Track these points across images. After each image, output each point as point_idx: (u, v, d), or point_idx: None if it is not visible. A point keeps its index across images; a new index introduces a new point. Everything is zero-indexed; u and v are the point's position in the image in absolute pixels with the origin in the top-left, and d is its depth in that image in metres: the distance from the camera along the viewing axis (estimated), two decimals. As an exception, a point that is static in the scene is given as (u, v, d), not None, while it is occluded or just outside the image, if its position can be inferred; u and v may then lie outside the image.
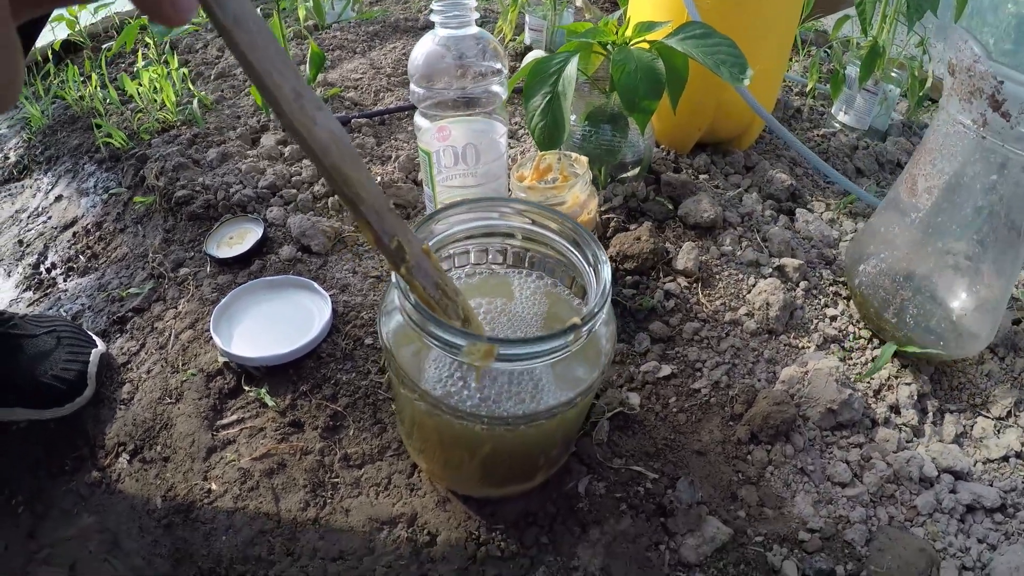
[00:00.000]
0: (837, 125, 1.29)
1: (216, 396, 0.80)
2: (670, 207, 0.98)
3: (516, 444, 0.55)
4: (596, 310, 0.49)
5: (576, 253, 0.57)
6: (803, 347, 0.86)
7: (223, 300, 0.87)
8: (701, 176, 1.08)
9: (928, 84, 1.25)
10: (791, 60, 1.55)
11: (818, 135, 1.24)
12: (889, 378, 0.82)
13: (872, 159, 1.19)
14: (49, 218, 1.22)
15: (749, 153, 1.15)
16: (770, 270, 0.92)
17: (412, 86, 0.80)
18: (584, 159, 0.80)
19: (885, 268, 0.84)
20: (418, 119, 0.83)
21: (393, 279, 0.50)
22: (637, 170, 1.02)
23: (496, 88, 0.81)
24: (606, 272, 0.52)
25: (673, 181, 1.01)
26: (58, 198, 1.25)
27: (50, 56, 1.54)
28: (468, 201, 0.58)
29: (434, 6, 0.76)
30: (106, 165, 1.27)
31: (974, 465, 0.75)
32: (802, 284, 0.91)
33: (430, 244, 0.56)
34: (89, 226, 1.15)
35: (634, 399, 0.77)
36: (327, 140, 0.31)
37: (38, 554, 0.69)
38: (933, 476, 0.73)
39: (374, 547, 0.66)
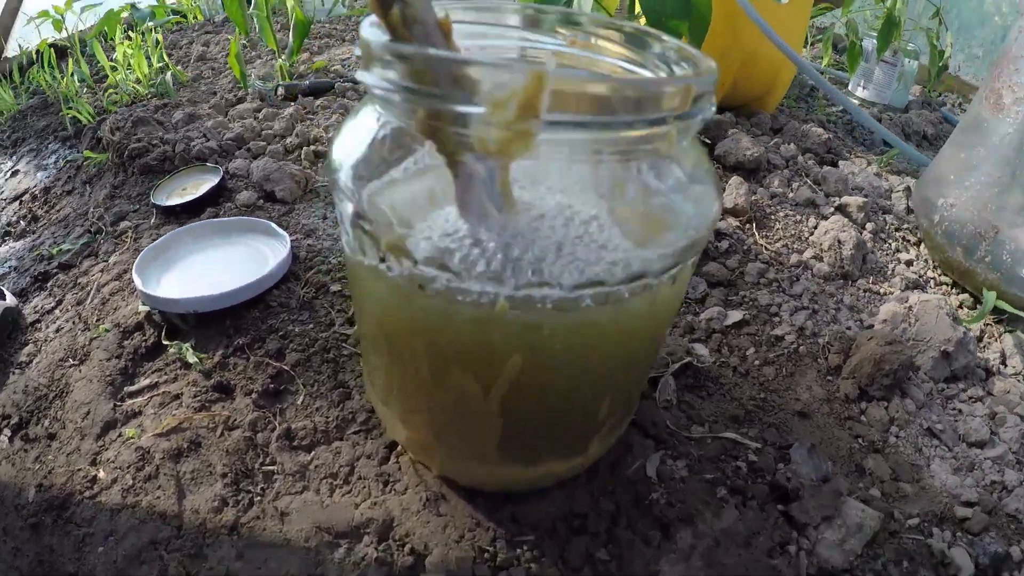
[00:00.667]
0: (856, 101, 1.03)
1: (129, 356, 0.51)
2: (707, 142, 0.70)
3: (567, 355, 0.25)
4: (708, 75, 0.20)
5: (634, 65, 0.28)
6: (885, 293, 0.57)
7: (156, 242, 0.57)
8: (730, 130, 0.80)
9: (947, 55, 1.00)
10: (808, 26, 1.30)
11: (837, 111, 0.97)
12: (987, 325, 0.57)
13: (898, 130, 0.93)
14: (1, 193, 0.91)
15: (774, 116, 0.87)
16: (831, 210, 0.65)
17: None
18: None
19: (971, 199, 0.59)
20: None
21: (365, 31, 0.21)
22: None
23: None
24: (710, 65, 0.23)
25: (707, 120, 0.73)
26: (14, 173, 0.95)
27: (35, 58, 1.25)
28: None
29: None
30: (70, 142, 0.97)
31: None
32: (868, 226, 0.64)
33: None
34: (36, 192, 0.85)
35: (701, 350, 0.47)
36: None
37: None
38: None
39: (323, 573, 0.35)
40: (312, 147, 0.73)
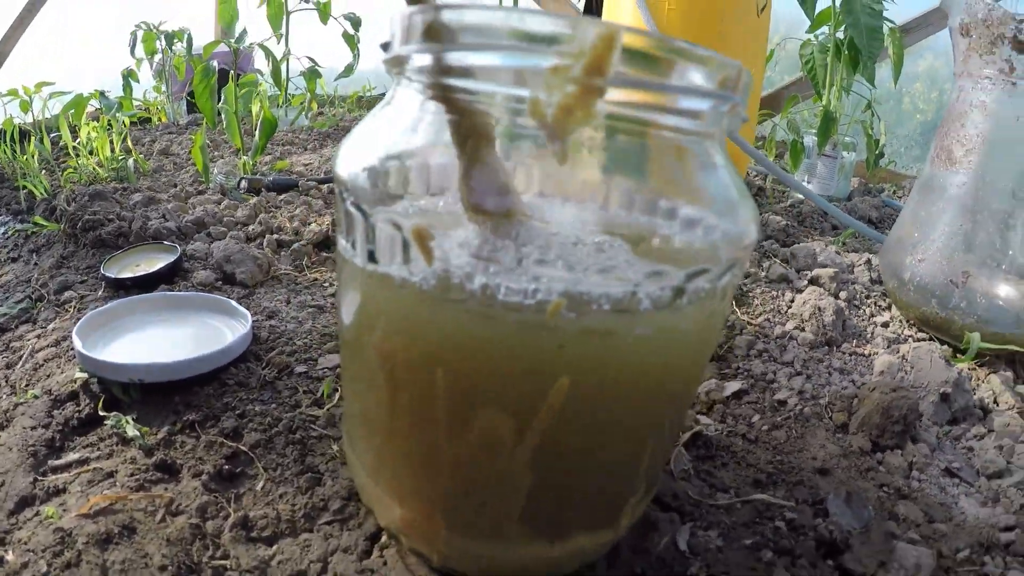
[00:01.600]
0: (801, 196, 1.08)
1: (58, 427, 0.43)
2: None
3: (622, 377, 0.20)
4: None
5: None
6: (870, 354, 0.57)
7: (103, 307, 0.51)
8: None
9: (883, 143, 1.08)
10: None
11: (786, 207, 1.01)
12: (972, 369, 0.57)
13: (845, 215, 0.96)
14: (-58, 263, 0.82)
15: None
16: (804, 283, 0.65)
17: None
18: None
19: (938, 250, 0.61)
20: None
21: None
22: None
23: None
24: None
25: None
26: (-42, 246, 0.86)
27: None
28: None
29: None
30: (21, 216, 0.91)
31: None
32: (842, 294, 0.64)
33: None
34: (-21, 261, 0.77)
35: (707, 421, 0.43)
36: None
37: None
38: None
39: None
40: (275, 235, 0.70)
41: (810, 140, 1.04)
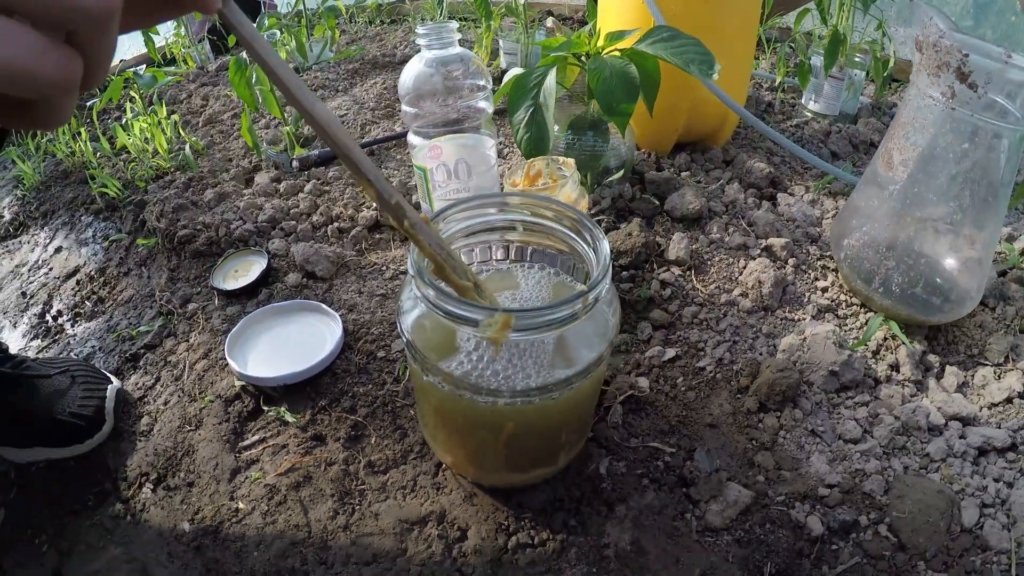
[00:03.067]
0: (808, 114, 1.35)
1: (236, 419, 0.83)
2: (656, 203, 1.03)
3: (537, 419, 0.58)
4: (599, 277, 0.53)
5: (574, 236, 0.61)
6: (799, 319, 0.89)
7: (235, 328, 0.90)
8: (683, 174, 1.13)
9: (892, 65, 1.32)
10: (758, 58, 1.62)
11: (792, 125, 1.29)
12: (886, 339, 0.86)
13: (846, 141, 1.25)
14: (51, 269, 1.25)
15: (727, 148, 1.20)
16: (758, 251, 0.97)
17: (403, 107, 0.85)
18: (571, 161, 0.84)
19: (868, 240, 0.89)
20: (411, 138, 0.88)
21: (409, 268, 0.54)
22: (621, 173, 1.07)
23: (482, 104, 0.86)
24: (604, 246, 0.56)
25: (657, 179, 1.06)
26: (58, 250, 1.28)
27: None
28: (469, 198, 0.62)
29: (418, 30, 0.81)
30: (103, 215, 1.30)
31: (979, 411, 0.78)
32: (791, 261, 0.95)
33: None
34: (92, 272, 1.18)
35: (643, 383, 0.80)
36: (327, 118, 0.40)
37: (66, 591, 0.69)
38: (941, 424, 0.76)
39: (406, 548, 0.68)
40: (336, 224, 1.07)
41: (818, 61, 1.28)
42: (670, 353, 0.84)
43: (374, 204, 1.10)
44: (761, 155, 1.18)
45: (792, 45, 1.29)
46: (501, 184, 0.87)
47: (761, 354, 0.85)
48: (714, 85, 1.06)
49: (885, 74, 1.30)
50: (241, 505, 0.75)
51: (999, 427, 0.75)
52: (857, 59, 1.28)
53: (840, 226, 0.94)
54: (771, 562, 0.65)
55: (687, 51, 0.92)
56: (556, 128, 1.02)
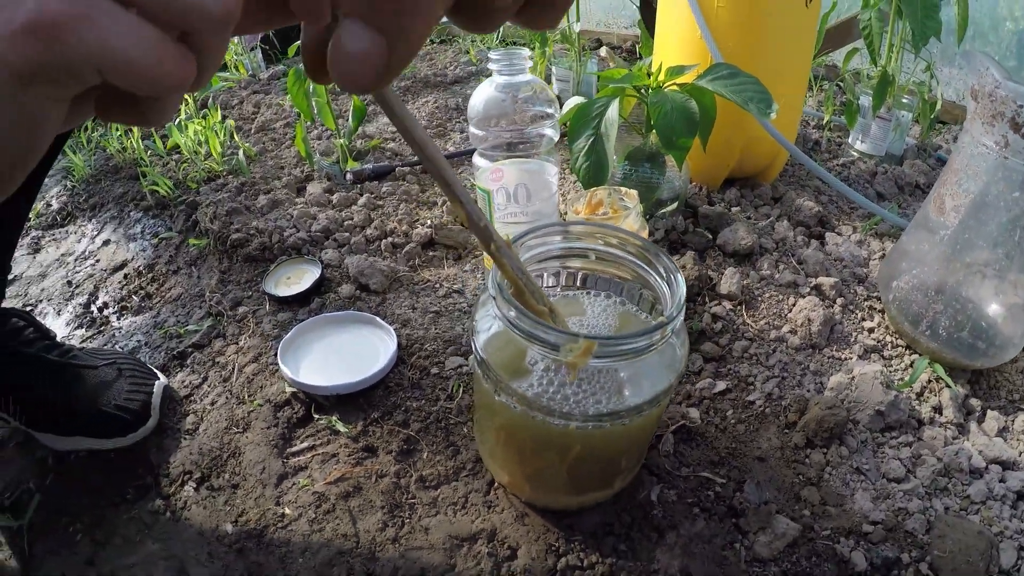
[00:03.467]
0: (855, 154, 1.37)
1: (285, 425, 0.85)
2: (709, 236, 1.05)
3: (603, 443, 0.60)
4: (676, 311, 0.55)
5: (645, 266, 0.63)
6: (845, 358, 0.91)
7: (288, 334, 0.93)
8: (733, 209, 1.15)
9: (938, 107, 1.34)
10: (805, 96, 1.65)
11: (838, 164, 1.32)
12: (930, 382, 0.88)
13: (892, 183, 1.27)
14: (97, 261, 1.28)
15: (776, 185, 1.22)
16: (808, 289, 0.98)
17: (471, 128, 0.88)
18: (634, 192, 0.86)
19: (917, 284, 0.91)
20: (477, 159, 0.90)
21: (489, 287, 0.56)
22: (674, 205, 1.09)
23: (548, 131, 0.89)
24: (681, 280, 0.58)
25: (709, 213, 1.08)
26: (105, 242, 1.32)
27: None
28: (545, 225, 0.64)
29: (491, 55, 0.84)
30: (152, 212, 1.34)
31: (1019, 455, 0.80)
32: (839, 301, 0.98)
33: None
34: (140, 268, 1.22)
35: (694, 413, 0.82)
36: (425, 138, 0.41)
37: (97, 581, 0.71)
38: (982, 467, 0.78)
39: (455, 563, 0.70)
40: (390, 239, 1.10)
41: (866, 100, 1.31)
42: (721, 386, 0.86)
43: (433, 222, 1.13)
44: (809, 193, 1.21)
45: (840, 84, 1.31)
46: (562, 212, 0.89)
47: (809, 391, 0.87)
48: (769, 124, 1.09)
49: (932, 116, 1.33)
50: (287, 511, 0.76)
51: None
52: (904, 100, 1.30)
53: (889, 268, 0.96)
54: (817, 597, 0.67)
55: (746, 89, 0.95)
56: (614, 158, 1.04)
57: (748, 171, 1.21)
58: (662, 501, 0.73)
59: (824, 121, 1.43)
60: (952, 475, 0.78)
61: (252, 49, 1.78)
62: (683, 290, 0.58)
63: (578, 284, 0.71)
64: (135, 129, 1.46)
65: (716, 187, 1.21)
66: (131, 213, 1.38)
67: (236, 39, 1.75)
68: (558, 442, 0.61)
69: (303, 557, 0.72)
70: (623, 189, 0.87)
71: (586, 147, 0.96)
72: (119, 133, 1.51)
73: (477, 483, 0.77)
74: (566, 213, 0.89)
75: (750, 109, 0.93)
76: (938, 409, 0.86)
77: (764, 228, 1.11)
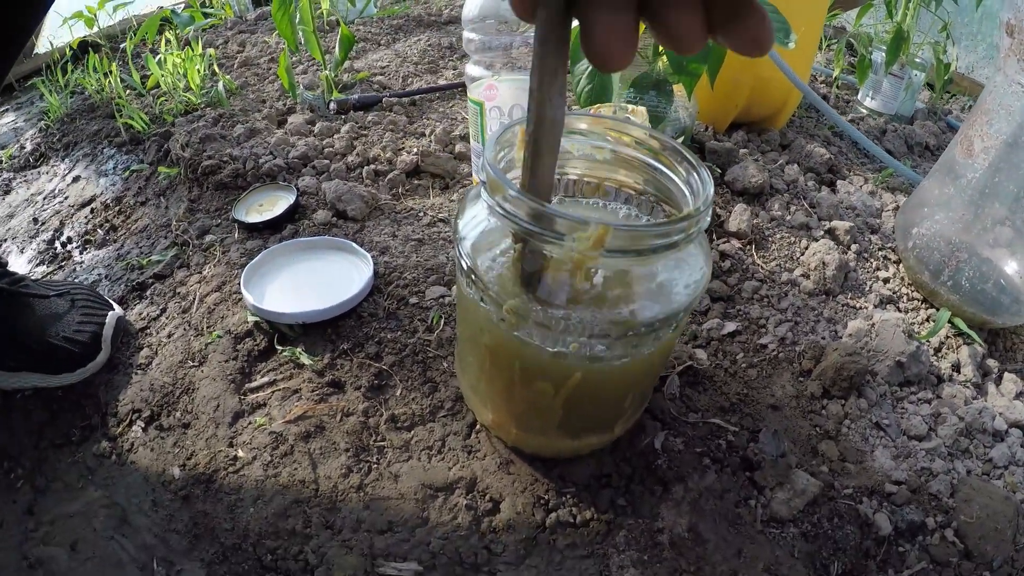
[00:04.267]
0: (864, 111, 1.23)
1: (245, 358, 0.71)
2: (718, 172, 0.91)
3: (608, 372, 0.47)
4: (703, 207, 0.41)
5: (663, 167, 0.49)
6: (860, 307, 0.78)
7: (254, 259, 0.78)
8: (740, 151, 1.01)
9: (953, 67, 1.20)
10: (819, 44, 1.49)
11: (847, 120, 1.17)
12: (948, 338, 0.77)
13: (901, 141, 1.13)
14: (66, 198, 1.13)
15: (784, 132, 1.08)
16: (821, 233, 0.85)
17: (465, 33, 0.73)
18: (642, 109, 0.72)
19: (940, 230, 0.78)
20: (470, 68, 0.76)
21: (485, 166, 0.42)
22: (681, 140, 0.95)
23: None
24: (707, 177, 0.44)
25: (718, 149, 0.94)
26: (75, 179, 1.17)
27: (67, 54, 1.45)
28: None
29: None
30: (126, 148, 1.18)
31: None
32: (853, 247, 0.85)
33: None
34: (108, 201, 1.07)
35: (702, 355, 0.69)
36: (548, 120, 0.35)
37: (35, 532, 0.59)
38: (1003, 430, 0.68)
39: (428, 516, 0.57)
40: (372, 166, 0.95)
41: (879, 56, 1.17)
42: (730, 327, 0.72)
43: (420, 149, 0.98)
44: (819, 142, 1.06)
45: (853, 39, 1.17)
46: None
47: (824, 338, 0.74)
48: (782, 60, 0.95)
49: (946, 76, 1.19)
50: (240, 453, 0.63)
51: None
52: (918, 60, 1.16)
53: (909, 215, 0.82)
54: (838, 561, 0.54)
55: (766, 13, 0.80)
56: (618, 85, 0.90)
57: (756, 115, 1.07)
58: (667, 450, 0.59)
59: (833, 77, 1.29)
60: (974, 436, 0.67)
61: (242, -9, 1.61)
62: (711, 188, 0.44)
63: (583, 194, 0.57)
64: (114, 67, 1.29)
65: (722, 130, 1.07)
66: (105, 150, 1.22)
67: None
68: (555, 369, 0.47)
69: (254, 506, 0.59)
70: (629, 106, 0.73)
71: (589, 68, 0.81)
72: (99, 74, 1.34)
73: (456, 424, 0.63)
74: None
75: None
76: (956, 367, 0.74)
77: (774, 170, 0.96)
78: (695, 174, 0.46)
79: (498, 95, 0.76)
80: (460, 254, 0.47)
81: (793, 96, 1.05)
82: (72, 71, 1.43)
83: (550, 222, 0.39)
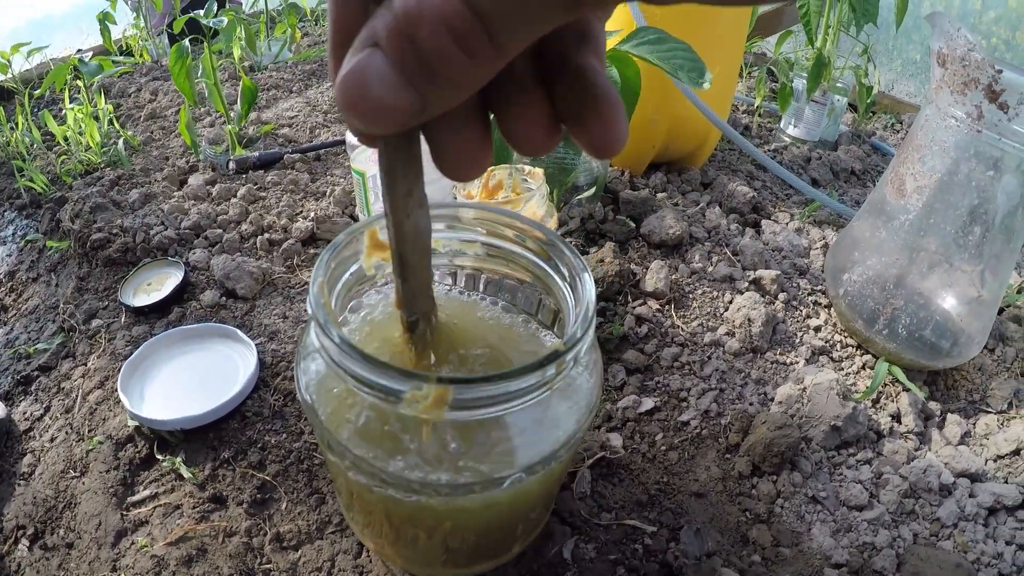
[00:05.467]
0: (787, 139, 1.18)
1: (126, 467, 0.63)
2: (632, 226, 0.84)
3: (485, 516, 0.39)
4: (580, 331, 0.34)
5: (543, 264, 0.42)
6: (791, 363, 0.72)
7: (134, 354, 0.68)
8: (659, 195, 0.94)
9: (875, 91, 1.16)
10: (739, 75, 1.45)
11: (770, 150, 1.13)
12: (886, 386, 0.71)
13: (827, 168, 1.08)
14: (-36, 265, 1.01)
15: (705, 169, 1.02)
16: (746, 284, 0.79)
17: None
18: (539, 171, 0.65)
19: (872, 276, 0.72)
20: (350, 137, 0.67)
21: (310, 304, 0.34)
22: (592, 191, 0.88)
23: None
24: (588, 282, 0.37)
25: (633, 199, 0.87)
26: (-26, 243, 1.04)
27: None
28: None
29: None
30: (27, 212, 1.08)
31: (985, 464, 0.64)
32: (780, 296, 0.78)
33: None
34: (1, 277, 0.95)
35: (616, 441, 0.61)
36: (411, 232, 0.30)
37: None
38: (950, 483, 0.62)
39: (317, 646, 0.48)
40: (266, 235, 0.85)
41: (800, 83, 1.12)
42: (648, 404, 0.65)
43: (318, 214, 0.89)
44: (741, 178, 1.00)
45: (773, 67, 1.12)
46: (453, 195, 0.67)
47: (752, 404, 0.67)
48: (699, 99, 0.89)
49: (868, 100, 1.14)
50: (123, 579, 0.54)
51: (1007, 482, 0.63)
52: (839, 85, 1.11)
53: (838, 259, 0.76)
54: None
55: (676, 56, 0.73)
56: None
57: (675, 154, 1.01)
58: (577, 559, 0.52)
59: (755, 106, 1.24)
60: (919, 495, 0.61)
61: (160, 34, 1.50)
62: (591, 297, 0.37)
63: (460, 287, 0.49)
64: (19, 119, 1.18)
65: (640, 172, 1.00)
66: (5, 213, 1.11)
67: (142, 22, 1.47)
68: (421, 518, 0.39)
69: None
70: (527, 168, 0.66)
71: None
72: (5, 127, 1.22)
73: (346, 542, 0.54)
74: (456, 198, 0.66)
75: (680, 77, 0.72)
76: (896, 417, 0.68)
77: (694, 215, 0.90)
78: (576, 277, 0.39)
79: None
80: (298, 389, 0.39)
81: (713, 132, 0.99)
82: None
83: (382, 378, 0.31)
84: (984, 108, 0.60)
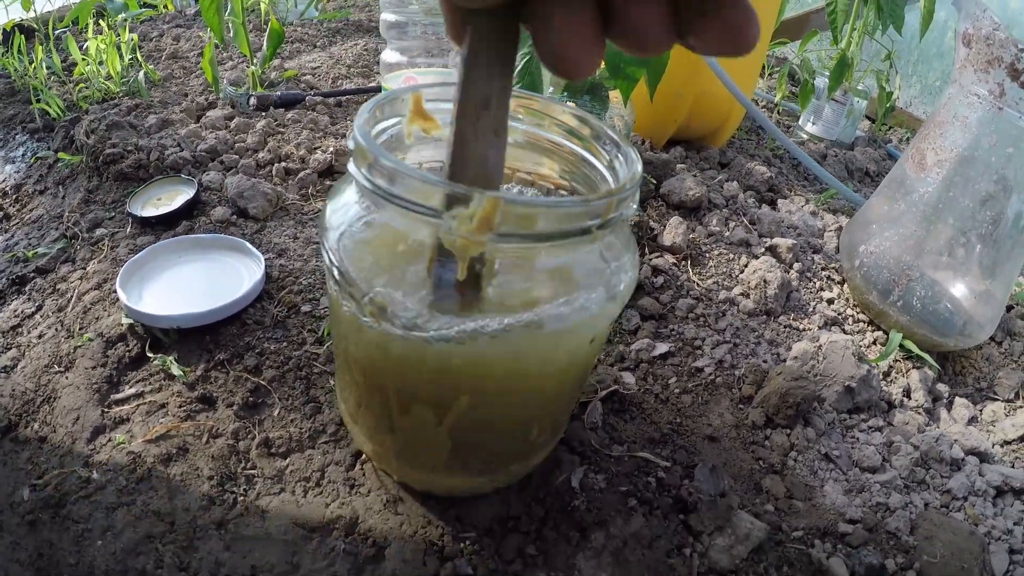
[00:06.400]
0: (804, 135, 1.16)
1: (114, 365, 0.58)
2: (652, 183, 0.80)
3: (505, 390, 0.34)
4: (629, 185, 0.29)
5: (584, 151, 0.38)
6: (804, 328, 0.68)
7: (137, 255, 0.64)
8: (678, 166, 0.91)
9: (895, 96, 1.13)
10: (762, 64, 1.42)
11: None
12: (896, 362, 0.67)
13: (842, 166, 1.06)
14: (-32, 185, 0.96)
15: (723, 151, 0.98)
16: (762, 250, 0.76)
17: (383, 15, 0.61)
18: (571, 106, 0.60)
19: (889, 248, 0.69)
20: (387, 54, 0.63)
21: (356, 135, 0.30)
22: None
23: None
24: (634, 155, 0.33)
25: (654, 160, 0.84)
26: (-20, 167, 1.00)
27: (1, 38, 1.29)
28: (438, 83, 0.38)
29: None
30: (39, 135, 1.03)
31: (992, 448, 0.61)
32: (795, 266, 0.75)
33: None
34: (7, 189, 0.92)
35: (629, 378, 0.57)
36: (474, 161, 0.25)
37: None
38: (960, 458, 0.59)
39: (298, 562, 0.44)
40: (283, 163, 0.81)
41: (821, 82, 1.09)
42: (662, 348, 0.61)
43: (337, 147, 0.85)
44: (759, 162, 0.97)
45: (796, 66, 1.10)
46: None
47: (766, 361, 0.63)
48: (725, 73, 0.85)
49: (888, 104, 1.12)
50: (95, 475, 0.49)
51: (1013, 466, 0.60)
52: (860, 88, 1.09)
53: (854, 233, 0.73)
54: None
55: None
56: (551, 89, 0.79)
57: (696, 132, 0.97)
58: (586, 488, 0.47)
59: (776, 100, 1.21)
60: (931, 466, 0.58)
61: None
62: (638, 167, 0.33)
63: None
64: (38, 49, 1.13)
65: (660, 145, 0.97)
66: (16, 136, 1.07)
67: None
68: (434, 389, 0.34)
69: (103, 539, 0.45)
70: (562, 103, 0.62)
71: (519, 66, 0.70)
72: (25, 58, 1.18)
73: (339, 453, 0.50)
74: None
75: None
76: (907, 392, 0.65)
77: (713, 185, 0.86)
78: (619, 155, 0.35)
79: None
80: (324, 249, 0.35)
81: (735, 114, 0.96)
82: (2, 54, 1.27)
83: (420, 191, 0.27)
84: (1007, 86, 0.59)
